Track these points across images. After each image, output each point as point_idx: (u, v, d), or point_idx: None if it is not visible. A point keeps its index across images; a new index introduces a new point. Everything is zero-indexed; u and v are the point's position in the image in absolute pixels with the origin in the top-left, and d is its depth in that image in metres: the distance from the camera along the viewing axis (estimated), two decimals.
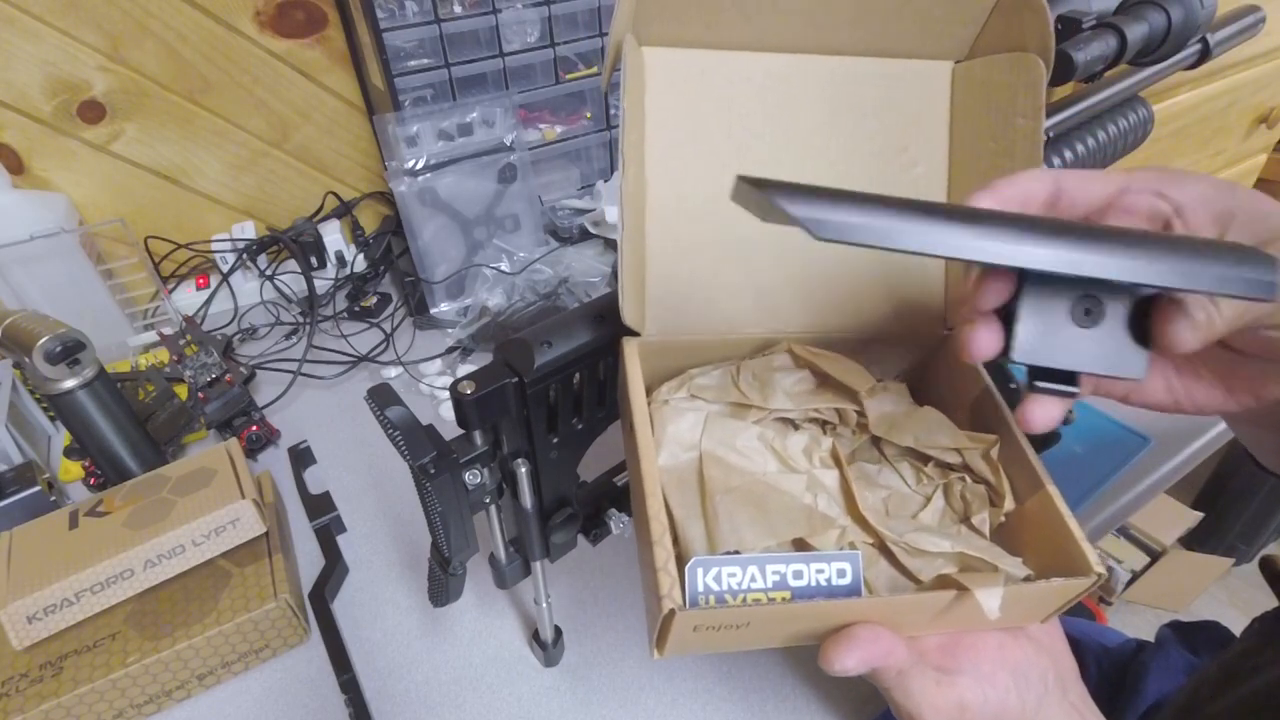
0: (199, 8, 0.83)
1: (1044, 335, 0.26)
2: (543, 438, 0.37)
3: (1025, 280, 0.26)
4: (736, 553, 0.28)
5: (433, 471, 0.33)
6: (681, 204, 0.37)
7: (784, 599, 0.26)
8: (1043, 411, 0.27)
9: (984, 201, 0.27)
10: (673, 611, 0.25)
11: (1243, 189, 0.28)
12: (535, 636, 0.49)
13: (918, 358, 0.39)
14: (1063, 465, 0.58)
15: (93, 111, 0.83)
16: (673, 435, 0.33)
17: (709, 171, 0.37)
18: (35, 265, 0.76)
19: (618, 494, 0.45)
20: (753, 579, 0.26)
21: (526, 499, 0.38)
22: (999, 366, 0.28)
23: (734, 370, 0.36)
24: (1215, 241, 0.25)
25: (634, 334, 0.34)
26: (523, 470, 0.36)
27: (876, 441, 0.36)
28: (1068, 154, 0.59)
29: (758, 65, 0.37)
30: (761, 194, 0.23)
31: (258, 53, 0.88)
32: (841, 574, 0.27)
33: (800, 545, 0.32)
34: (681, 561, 0.26)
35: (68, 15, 0.77)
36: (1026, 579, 0.30)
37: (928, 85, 0.39)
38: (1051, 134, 0.55)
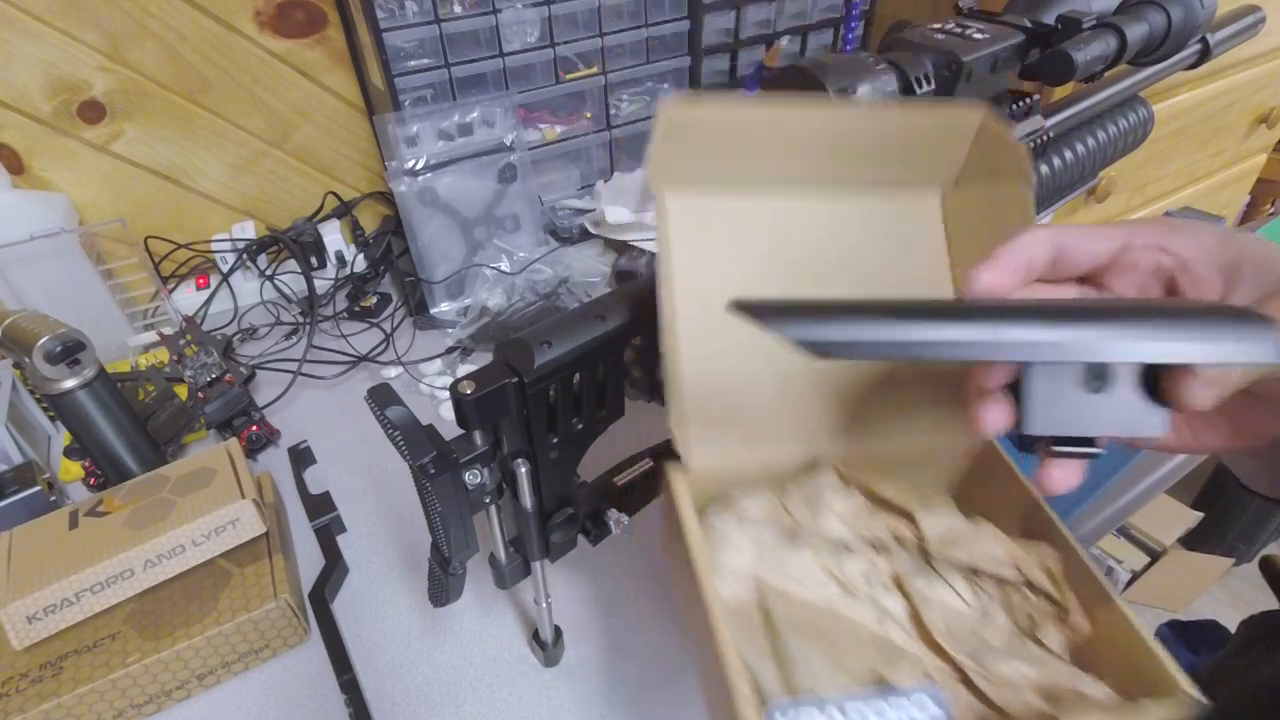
0: (199, 8, 0.83)
1: (1056, 405, 0.25)
2: (543, 438, 0.37)
3: None
4: (812, 692, 0.28)
5: (433, 471, 0.33)
6: (710, 327, 0.38)
7: None
8: (1063, 474, 0.26)
9: (988, 274, 0.27)
10: None
11: (1248, 238, 0.27)
12: (535, 636, 0.49)
13: (962, 467, 0.39)
14: None
15: (93, 111, 0.83)
16: (725, 564, 0.33)
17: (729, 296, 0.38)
18: (35, 265, 0.76)
19: (618, 494, 0.45)
20: None
21: (526, 499, 0.38)
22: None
23: (780, 492, 0.36)
24: (1216, 308, 0.25)
25: (675, 457, 0.35)
26: (523, 470, 0.36)
27: (924, 553, 0.35)
28: (1067, 154, 0.59)
29: (766, 204, 0.39)
30: (754, 319, 0.23)
31: (258, 53, 0.88)
32: (922, 705, 0.27)
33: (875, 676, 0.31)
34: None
35: (68, 15, 0.77)
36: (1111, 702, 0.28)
37: (921, 204, 0.41)
38: (1051, 134, 0.55)
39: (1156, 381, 0.25)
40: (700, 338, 0.38)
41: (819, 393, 0.39)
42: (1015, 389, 0.26)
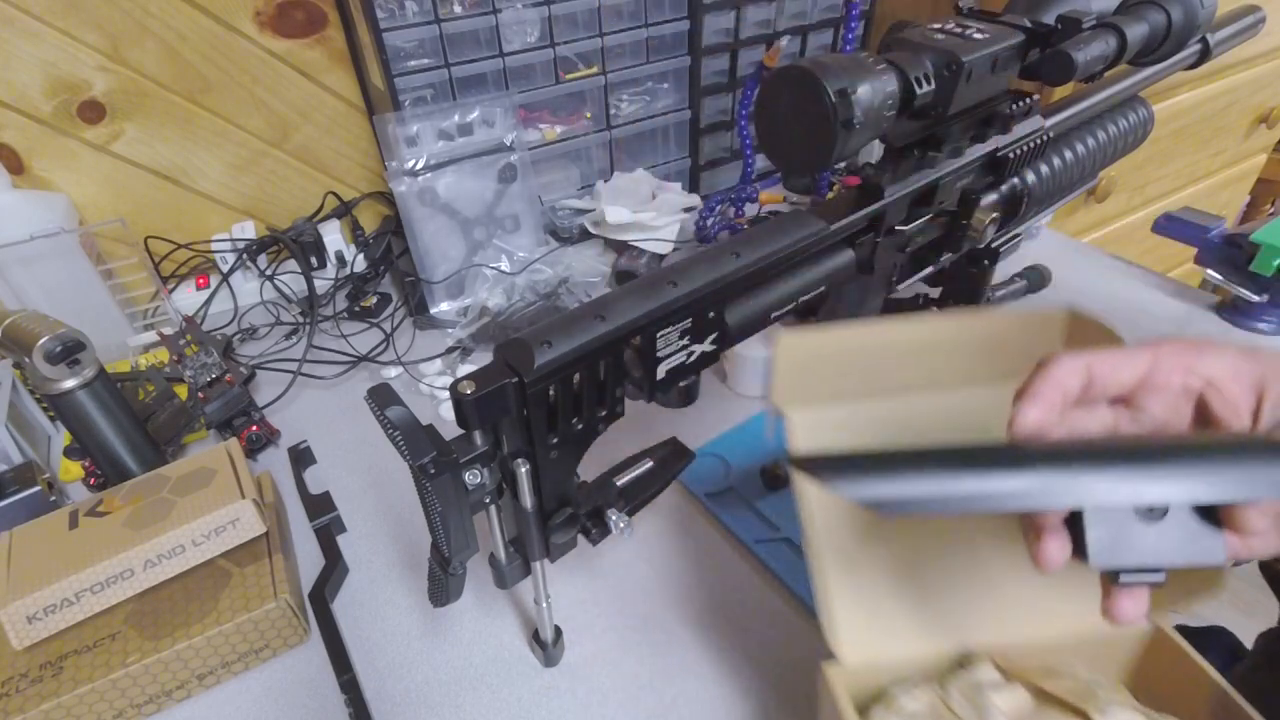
0: (199, 8, 0.83)
1: (1116, 538, 0.26)
2: (543, 438, 0.36)
3: None
4: None
5: (433, 471, 0.33)
6: (844, 525, 0.39)
7: None
8: (1132, 603, 0.27)
9: (1032, 410, 0.28)
10: None
11: (1267, 354, 0.28)
12: (535, 636, 0.49)
13: (1132, 653, 0.37)
14: None
15: (93, 111, 0.83)
16: None
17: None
18: (35, 265, 0.76)
19: (618, 494, 0.45)
20: None
21: (526, 499, 0.38)
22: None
23: (939, 689, 0.35)
24: (1258, 441, 0.26)
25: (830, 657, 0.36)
26: (523, 470, 0.36)
27: None
28: (1067, 154, 0.59)
29: (884, 404, 0.41)
30: (814, 476, 0.25)
31: (258, 53, 0.88)
32: None
33: None
34: None
35: (68, 15, 0.77)
36: None
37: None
38: (1051, 134, 0.55)
39: (1212, 509, 0.26)
40: (837, 538, 0.39)
41: (965, 578, 0.39)
42: (1074, 520, 0.26)
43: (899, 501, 0.24)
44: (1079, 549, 0.26)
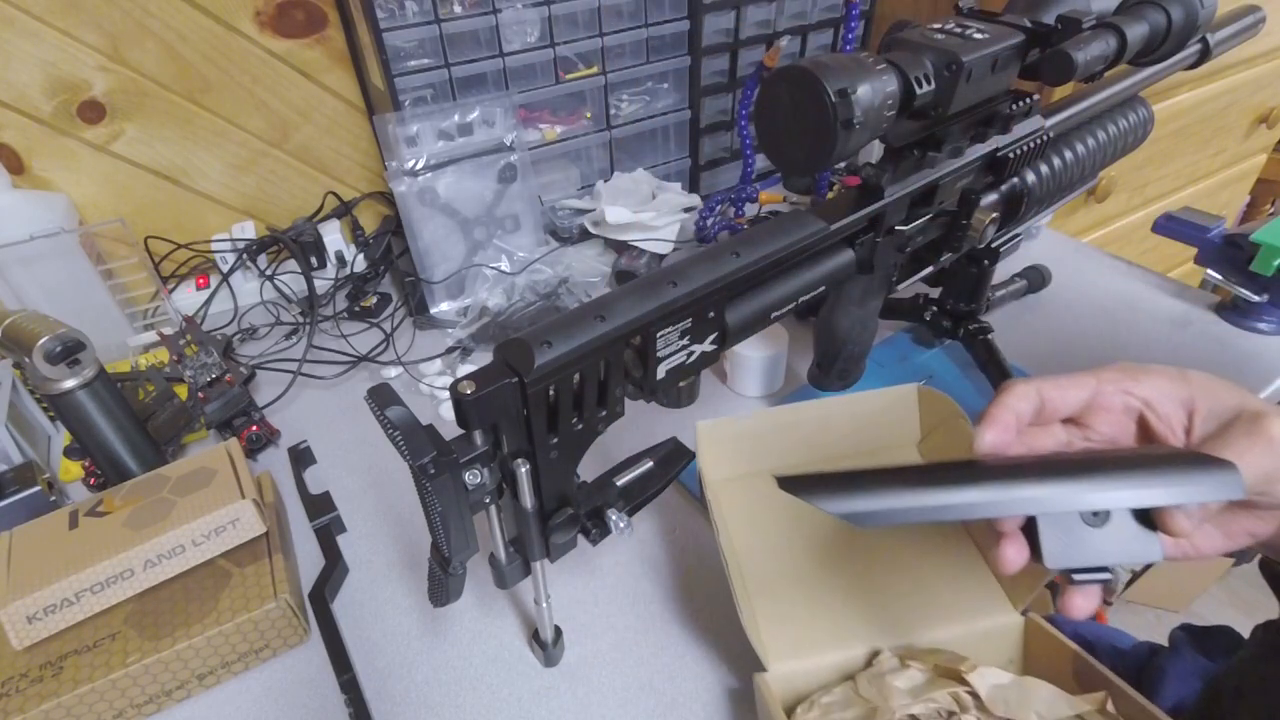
0: (199, 8, 0.83)
1: (1066, 542, 0.30)
2: (543, 438, 0.36)
3: None
4: None
5: (433, 471, 0.33)
6: (765, 556, 0.50)
7: None
8: (1084, 600, 0.31)
9: (990, 434, 0.32)
10: None
11: (1195, 376, 0.33)
12: (535, 636, 0.49)
13: (1015, 644, 0.44)
14: None
15: (93, 111, 0.83)
16: None
17: (770, 531, 0.51)
18: (35, 265, 0.76)
19: (618, 494, 0.45)
20: None
21: (526, 499, 0.38)
22: None
23: (852, 684, 0.42)
24: (1184, 454, 0.30)
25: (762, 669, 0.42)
26: (523, 470, 0.36)
27: (987, 711, 0.39)
28: (1067, 154, 0.59)
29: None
30: (797, 494, 0.28)
31: (258, 53, 0.88)
32: None
33: None
34: None
35: (68, 15, 0.77)
36: None
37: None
38: (1051, 134, 0.55)
39: (1147, 514, 0.30)
40: (754, 562, 0.49)
41: (876, 595, 0.47)
42: (1029, 528, 0.30)
43: (875, 514, 0.28)
44: (1035, 553, 0.30)
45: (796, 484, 0.29)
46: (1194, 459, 0.29)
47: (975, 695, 0.38)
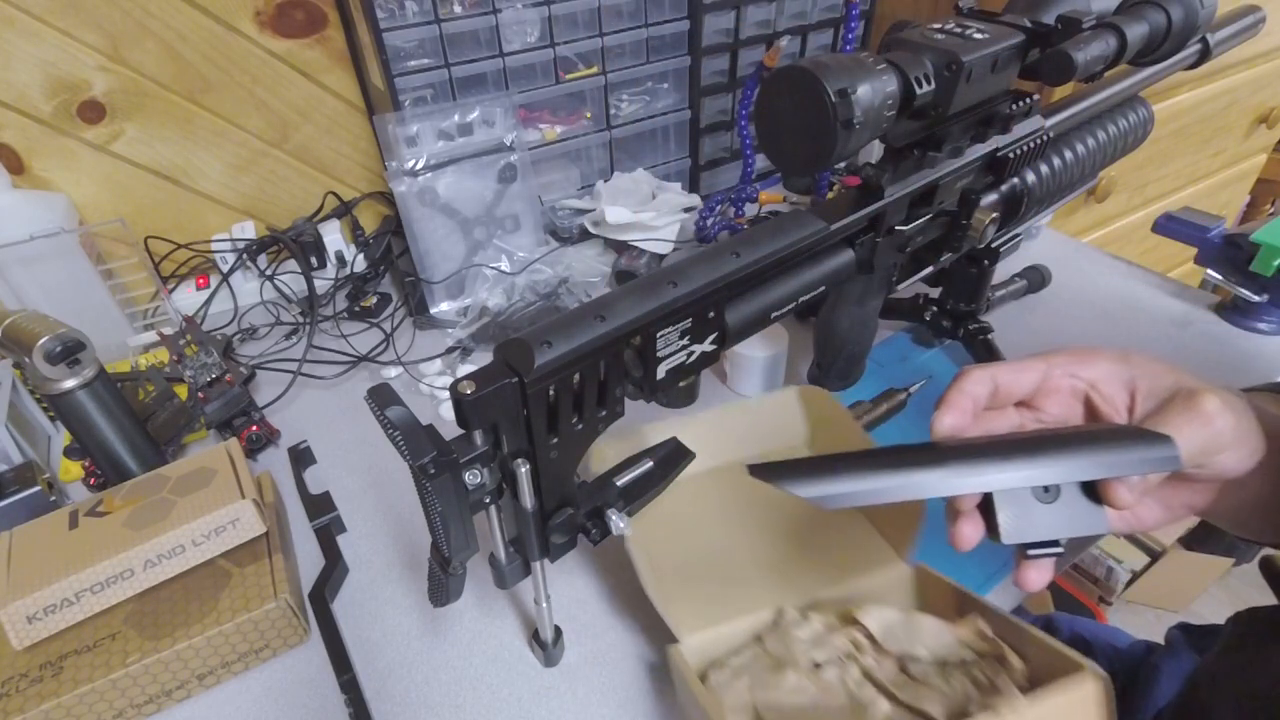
0: (199, 8, 0.83)
1: (1020, 518, 0.32)
2: (543, 438, 0.36)
3: None
4: None
5: (433, 471, 0.33)
6: (668, 540, 0.54)
7: None
8: (1038, 574, 0.33)
9: (947, 417, 0.34)
10: None
11: (1137, 357, 0.35)
12: (535, 636, 0.49)
13: (911, 588, 0.48)
14: None
15: (93, 111, 0.83)
16: (730, 704, 0.40)
17: (676, 517, 0.56)
18: (35, 265, 0.76)
19: (618, 494, 0.45)
20: None
21: (526, 499, 0.38)
22: None
23: (760, 643, 0.44)
24: (1126, 430, 0.32)
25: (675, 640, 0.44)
26: (523, 470, 0.36)
27: (880, 648, 0.42)
28: (1067, 154, 0.59)
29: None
30: (769, 481, 0.30)
31: (258, 53, 0.88)
32: None
33: None
34: None
35: (68, 15, 0.77)
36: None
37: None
38: (1051, 134, 0.55)
39: (1094, 488, 0.32)
40: (669, 549, 0.53)
41: (779, 563, 0.51)
42: (985, 506, 0.32)
43: (841, 496, 0.30)
44: (991, 530, 0.32)
45: (767, 471, 0.31)
46: (1134, 434, 0.31)
47: (871, 636, 0.41)
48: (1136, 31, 0.48)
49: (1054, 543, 0.32)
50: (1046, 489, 0.32)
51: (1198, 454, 0.32)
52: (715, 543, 0.53)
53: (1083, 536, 0.33)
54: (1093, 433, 0.32)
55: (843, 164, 0.78)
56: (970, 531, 0.32)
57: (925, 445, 0.32)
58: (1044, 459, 0.31)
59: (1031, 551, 0.32)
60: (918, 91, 0.40)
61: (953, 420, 0.34)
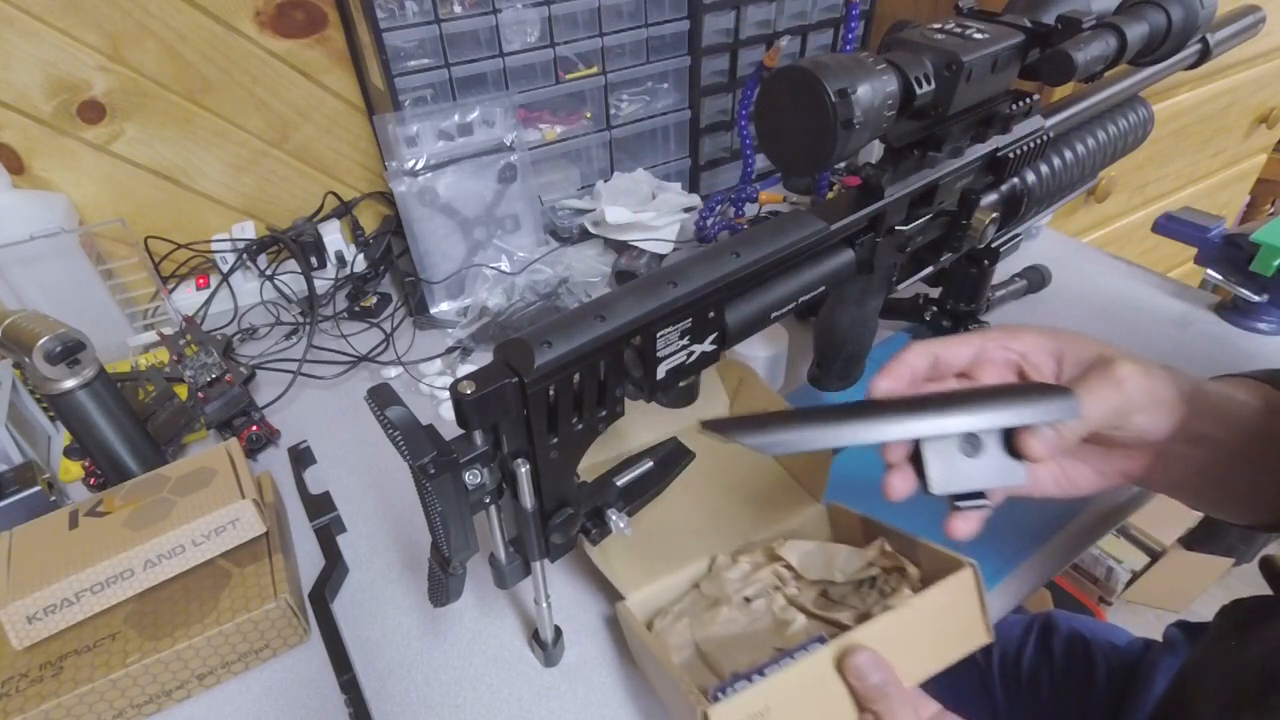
0: (199, 8, 0.83)
1: (947, 469, 0.35)
2: (543, 438, 0.36)
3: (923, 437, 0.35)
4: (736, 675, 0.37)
5: (433, 471, 0.33)
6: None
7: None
8: (965, 524, 0.36)
9: (883, 381, 0.37)
10: (705, 714, 0.33)
11: (1064, 334, 0.38)
12: (535, 636, 0.49)
13: (827, 526, 0.53)
14: None
15: (93, 111, 0.83)
16: (674, 644, 0.46)
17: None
18: (35, 265, 0.76)
19: (618, 494, 0.45)
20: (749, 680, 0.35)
21: (526, 499, 0.38)
22: None
23: (698, 589, 0.49)
24: (1039, 387, 0.36)
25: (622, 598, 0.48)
26: (523, 470, 0.36)
27: (801, 578, 0.47)
28: (1067, 154, 0.59)
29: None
30: (718, 435, 0.33)
31: (258, 53, 0.88)
32: (811, 649, 0.36)
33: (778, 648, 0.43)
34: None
35: (68, 15, 0.77)
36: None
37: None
38: (1051, 134, 0.55)
39: (1012, 443, 0.35)
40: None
41: (709, 517, 0.55)
42: (916, 459, 0.35)
43: (783, 443, 0.33)
44: (921, 482, 0.35)
45: (718, 425, 0.33)
46: (1040, 389, 0.35)
47: (791, 568, 0.47)
48: (1136, 31, 0.48)
49: (979, 494, 0.35)
50: (971, 443, 0.35)
51: (1112, 414, 0.35)
52: (652, 509, 0.55)
53: (1002, 486, 0.35)
54: (1005, 389, 0.36)
55: (843, 164, 0.78)
56: (899, 483, 0.35)
57: (860, 402, 0.35)
58: (959, 410, 0.34)
59: (960, 504, 0.35)
60: (918, 91, 0.40)
61: (888, 385, 0.37)
